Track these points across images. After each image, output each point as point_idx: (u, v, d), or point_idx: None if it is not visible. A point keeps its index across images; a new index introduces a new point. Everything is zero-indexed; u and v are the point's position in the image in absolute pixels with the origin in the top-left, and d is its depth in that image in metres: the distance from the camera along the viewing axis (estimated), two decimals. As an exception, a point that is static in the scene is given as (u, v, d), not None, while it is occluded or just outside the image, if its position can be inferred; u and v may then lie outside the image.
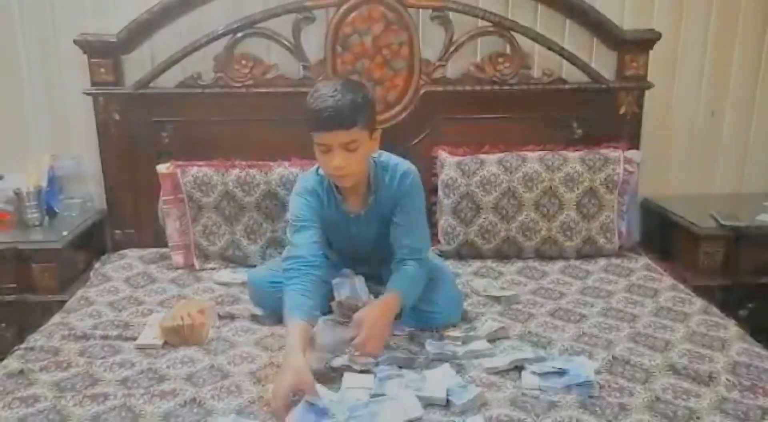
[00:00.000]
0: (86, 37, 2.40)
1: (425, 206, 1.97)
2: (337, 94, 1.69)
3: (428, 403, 1.51)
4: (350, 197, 1.92)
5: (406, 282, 1.84)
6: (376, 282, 2.00)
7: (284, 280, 1.78)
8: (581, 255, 2.42)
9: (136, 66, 2.51)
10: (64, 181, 2.58)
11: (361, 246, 2.02)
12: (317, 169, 1.93)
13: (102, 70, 2.43)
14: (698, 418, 1.45)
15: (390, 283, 1.84)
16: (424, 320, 1.89)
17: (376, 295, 1.89)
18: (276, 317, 1.90)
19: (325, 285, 1.87)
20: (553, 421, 1.44)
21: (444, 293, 1.94)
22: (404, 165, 1.92)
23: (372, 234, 1.97)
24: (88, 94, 2.45)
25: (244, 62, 2.48)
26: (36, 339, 1.84)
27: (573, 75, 2.57)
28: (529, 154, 2.44)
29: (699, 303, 2.05)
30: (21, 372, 1.65)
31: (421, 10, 2.49)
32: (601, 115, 2.56)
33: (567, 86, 2.55)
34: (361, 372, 1.64)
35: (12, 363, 1.69)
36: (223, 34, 2.44)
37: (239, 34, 2.46)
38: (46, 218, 2.47)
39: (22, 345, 1.80)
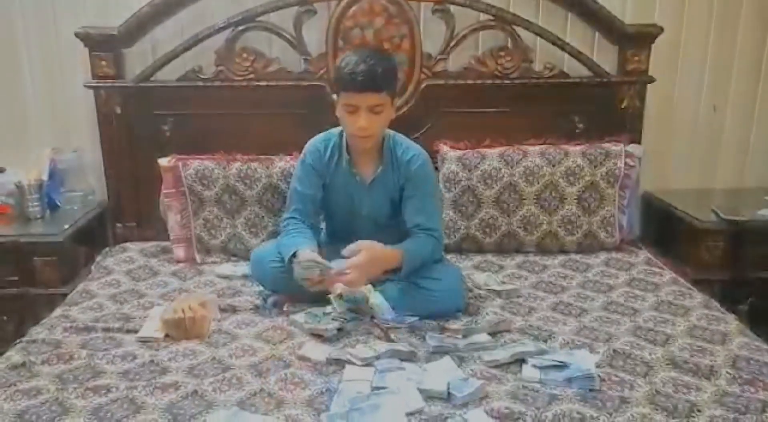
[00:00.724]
0: (87, 31, 2.40)
1: (438, 192, 2.04)
2: (371, 60, 1.83)
3: (429, 396, 1.52)
4: (360, 161, 2.00)
5: (414, 246, 1.94)
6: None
7: (281, 235, 2.03)
8: (582, 250, 2.43)
9: (137, 59, 2.52)
10: (65, 174, 2.58)
11: (363, 220, 2.05)
12: (328, 130, 2.05)
13: (103, 63, 2.43)
14: (699, 411, 1.45)
15: (399, 244, 1.93)
16: (429, 302, 1.91)
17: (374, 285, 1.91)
18: (274, 286, 2.03)
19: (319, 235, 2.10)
20: (554, 414, 1.44)
21: (446, 275, 1.98)
22: (417, 148, 2.03)
23: (375, 207, 2.02)
24: (89, 87, 2.46)
25: (245, 56, 2.48)
26: (38, 331, 1.84)
27: (575, 69, 2.56)
28: (531, 148, 2.43)
29: (699, 297, 2.05)
30: (23, 364, 1.65)
31: (422, 3, 2.49)
32: (602, 109, 2.56)
33: (568, 80, 2.55)
34: (363, 365, 1.64)
35: (14, 355, 1.70)
36: (224, 28, 2.45)
37: (240, 28, 2.46)
38: (48, 211, 2.48)
39: (24, 338, 1.80)
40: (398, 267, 1.91)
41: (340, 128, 2.03)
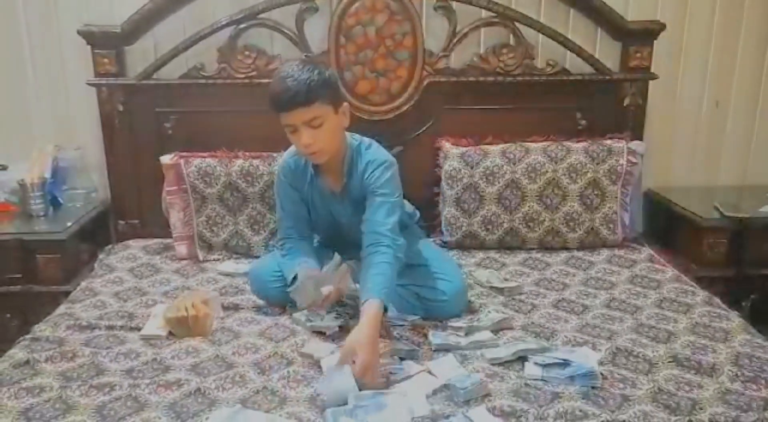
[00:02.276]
0: (90, 28, 2.40)
1: (393, 195, 1.89)
2: (294, 74, 1.75)
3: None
4: (325, 175, 1.97)
5: (381, 278, 1.74)
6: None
7: (280, 258, 1.99)
8: (584, 247, 2.43)
9: (139, 57, 2.51)
10: (68, 171, 2.57)
11: (345, 229, 2.03)
12: None
13: (105, 60, 2.43)
14: (701, 409, 1.45)
15: (365, 284, 1.74)
16: (432, 310, 1.91)
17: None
18: (276, 303, 2.01)
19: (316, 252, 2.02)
20: (556, 412, 1.44)
21: (450, 283, 1.95)
22: (378, 154, 1.93)
23: (351, 216, 1.98)
24: (91, 84, 2.46)
25: (247, 53, 2.48)
26: (41, 329, 1.85)
27: (577, 66, 2.56)
28: (533, 145, 2.43)
29: (702, 294, 2.05)
30: (27, 362, 1.66)
31: (424, 0, 2.48)
32: (605, 106, 2.55)
33: (571, 77, 2.54)
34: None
35: (18, 353, 1.70)
36: (227, 25, 2.44)
37: (242, 25, 2.45)
38: (51, 209, 2.47)
39: (28, 336, 1.81)
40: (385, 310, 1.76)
41: None
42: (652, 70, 2.54)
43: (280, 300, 1.99)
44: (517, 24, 2.50)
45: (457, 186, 2.40)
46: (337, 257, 1.85)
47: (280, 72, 1.80)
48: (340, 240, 2.05)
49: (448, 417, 1.43)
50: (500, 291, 2.09)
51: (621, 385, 1.55)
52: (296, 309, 1.89)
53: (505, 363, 1.66)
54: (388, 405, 1.45)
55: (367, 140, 1.98)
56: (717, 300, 2.02)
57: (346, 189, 1.95)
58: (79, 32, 2.40)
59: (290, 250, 1.99)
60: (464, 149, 2.45)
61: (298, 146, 1.83)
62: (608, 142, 2.44)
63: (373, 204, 1.87)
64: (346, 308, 1.93)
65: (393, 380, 1.58)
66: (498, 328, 1.84)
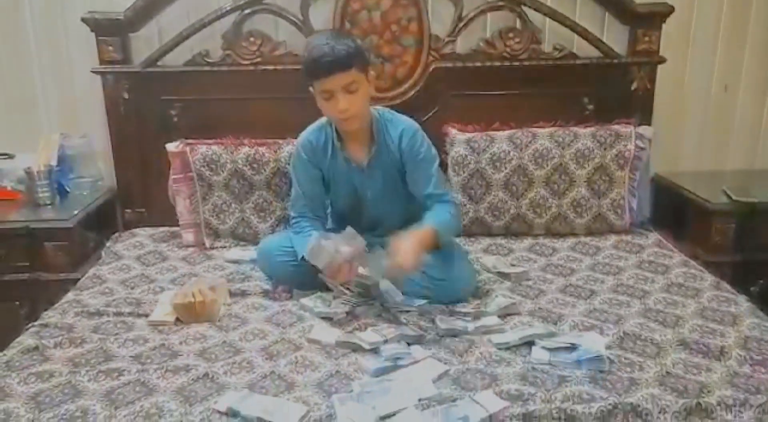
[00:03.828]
0: (94, 15, 2.39)
1: (436, 157, 2.02)
2: (331, 42, 1.83)
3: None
4: (352, 146, 2.00)
5: (437, 218, 1.91)
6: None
7: (292, 234, 2.04)
8: (591, 232, 2.42)
9: (144, 44, 2.51)
10: (74, 160, 2.58)
11: (369, 203, 2.05)
12: (319, 122, 2.04)
13: (110, 48, 2.43)
14: (709, 392, 1.45)
15: (424, 220, 1.91)
16: (441, 288, 1.90)
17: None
18: (279, 278, 2.04)
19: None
20: (564, 396, 1.44)
21: (458, 261, 1.97)
22: (405, 121, 2.02)
23: (377, 188, 2.01)
24: (96, 72, 2.45)
25: (252, 39, 2.47)
26: (50, 316, 1.86)
27: (584, 50, 2.54)
28: (540, 131, 2.42)
29: (710, 278, 2.04)
30: (36, 348, 1.67)
31: (430, -16, 2.47)
32: (612, 90, 2.53)
33: (578, 61, 2.52)
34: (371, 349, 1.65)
35: (27, 339, 1.71)
36: (231, 11, 2.43)
37: (247, 11, 2.44)
38: (57, 197, 2.48)
39: (37, 322, 1.82)
40: (437, 244, 1.89)
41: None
42: (661, 54, 2.52)
43: (282, 274, 2.02)
44: (523, 7, 2.48)
45: (464, 172, 2.40)
46: (349, 229, 1.86)
47: (315, 40, 1.90)
48: (359, 218, 2.06)
49: (455, 400, 1.43)
50: (507, 276, 2.08)
51: (629, 369, 1.55)
52: (322, 276, 1.89)
53: (511, 348, 1.65)
54: (394, 390, 1.46)
55: (380, 108, 2.04)
56: (725, 284, 2.01)
57: (374, 159, 1.99)
58: (83, 19, 2.39)
59: (304, 228, 2.01)
60: (471, 135, 2.43)
61: (333, 112, 1.88)
62: (616, 126, 2.43)
63: (423, 174, 1.97)
64: (354, 295, 1.93)
65: (400, 365, 1.58)
66: (505, 313, 1.83)
